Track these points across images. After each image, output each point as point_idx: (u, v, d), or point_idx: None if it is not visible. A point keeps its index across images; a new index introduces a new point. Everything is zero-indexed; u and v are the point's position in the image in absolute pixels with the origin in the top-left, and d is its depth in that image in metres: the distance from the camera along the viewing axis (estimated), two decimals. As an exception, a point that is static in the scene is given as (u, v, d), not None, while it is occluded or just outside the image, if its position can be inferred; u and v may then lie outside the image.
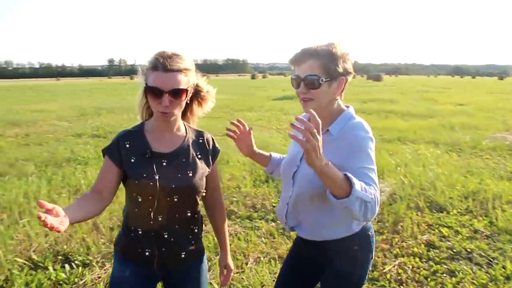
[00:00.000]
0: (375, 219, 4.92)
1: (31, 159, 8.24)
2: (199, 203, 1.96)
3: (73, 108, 19.94)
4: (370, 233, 1.99)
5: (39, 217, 1.23)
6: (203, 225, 2.09)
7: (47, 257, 4.00)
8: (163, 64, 1.69)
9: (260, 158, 2.27)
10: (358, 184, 1.51)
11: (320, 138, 1.43)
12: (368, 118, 13.93)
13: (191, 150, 1.91)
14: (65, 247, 4.22)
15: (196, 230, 1.97)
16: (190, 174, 1.86)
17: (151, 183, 1.76)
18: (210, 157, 1.99)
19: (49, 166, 7.68)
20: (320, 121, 1.45)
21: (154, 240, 1.84)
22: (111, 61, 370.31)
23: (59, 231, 1.30)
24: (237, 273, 3.75)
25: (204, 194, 1.96)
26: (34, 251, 4.15)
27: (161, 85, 1.69)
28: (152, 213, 1.80)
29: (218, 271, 2.25)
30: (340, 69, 1.78)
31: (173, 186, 1.80)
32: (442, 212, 5.20)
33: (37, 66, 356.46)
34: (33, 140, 10.83)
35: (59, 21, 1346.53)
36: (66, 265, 3.84)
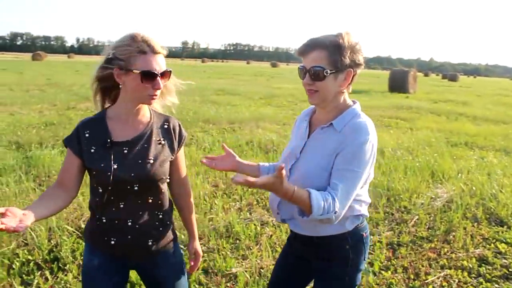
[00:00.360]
0: (425, 224, 4.71)
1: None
2: (164, 189, 1.92)
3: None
4: (364, 234, 1.93)
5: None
6: (172, 211, 2.04)
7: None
8: (151, 46, 1.69)
9: (248, 169, 2.16)
10: (317, 208, 1.61)
11: (278, 179, 1.52)
12: (436, 119, 13.34)
13: (154, 136, 1.87)
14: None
15: (161, 216, 1.91)
16: (152, 161, 1.82)
17: (109, 174, 1.73)
18: (176, 143, 1.94)
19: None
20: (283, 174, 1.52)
21: (118, 228, 1.82)
22: (185, 43, 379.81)
23: (18, 231, 1.32)
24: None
25: (168, 180, 1.92)
26: (84, 221, 4.32)
27: (154, 67, 1.69)
28: (113, 202, 1.79)
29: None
30: (347, 61, 1.73)
31: (132, 175, 1.77)
32: (501, 226, 4.85)
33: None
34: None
35: (137, 2, 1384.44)
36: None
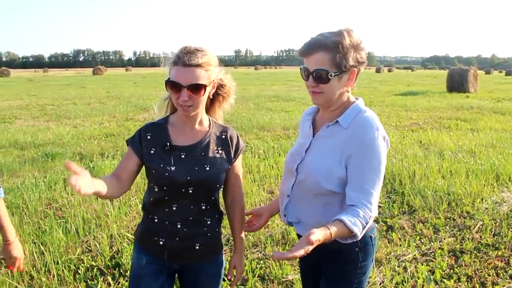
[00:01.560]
0: (490, 231, 4.48)
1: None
2: (216, 198, 1.98)
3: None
4: (372, 235, 1.88)
5: (70, 183, 1.32)
6: (222, 221, 2.10)
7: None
8: (182, 59, 1.73)
9: (276, 206, 2.15)
10: (357, 229, 1.57)
11: (315, 238, 1.45)
12: (500, 119, 12.70)
13: (212, 145, 1.93)
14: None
15: (209, 222, 1.96)
16: (208, 168, 1.88)
17: (167, 174, 1.82)
18: (232, 153, 1.98)
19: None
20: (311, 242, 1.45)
21: (168, 229, 1.89)
22: (237, 51, 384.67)
23: (87, 194, 1.40)
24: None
25: (221, 189, 1.99)
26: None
27: (180, 79, 1.73)
28: (167, 203, 1.88)
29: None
30: (351, 61, 1.69)
31: (188, 178, 1.84)
32: None
33: (170, 55, 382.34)
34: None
35: (190, 12, 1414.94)
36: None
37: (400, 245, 4.15)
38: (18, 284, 3.41)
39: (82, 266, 3.67)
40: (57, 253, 3.85)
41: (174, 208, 1.88)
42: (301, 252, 1.43)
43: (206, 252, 1.97)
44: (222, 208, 2.07)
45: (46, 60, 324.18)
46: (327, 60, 1.66)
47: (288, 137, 9.58)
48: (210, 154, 1.91)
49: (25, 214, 4.84)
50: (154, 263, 1.94)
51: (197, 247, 1.93)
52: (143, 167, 1.91)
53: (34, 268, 3.63)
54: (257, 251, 3.98)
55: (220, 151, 1.94)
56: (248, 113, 13.80)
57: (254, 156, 7.64)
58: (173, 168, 1.83)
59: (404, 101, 18.14)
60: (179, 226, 1.88)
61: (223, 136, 1.97)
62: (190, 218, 1.90)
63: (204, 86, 1.76)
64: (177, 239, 1.89)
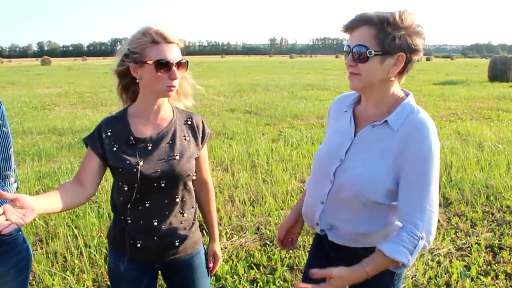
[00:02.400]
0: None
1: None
2: (190, 187, 1.86)
3: (231, 84, 21.09)
4: None
5: None
6: (197, 211, 1.98)
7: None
8: (163, 36, 1.64)
9: (300, 218, 1.95)
10: (402, 256, 1.44)
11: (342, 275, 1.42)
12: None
13: (178, 132, 1.81)
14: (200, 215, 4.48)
15: (187, 215, 1.84)
16: (177, 157, 1.76)
17: (135, 170, 1.68)
18: (199, 139, 1.88)
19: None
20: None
21: (144, 229, 1.76)
22: (272, 40, 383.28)
23: (18, 225, 1.25)
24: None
25: (194, 177, 1.85)
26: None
27: (169, 57, 1.64)
28: (139, 201, 1.74)
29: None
30: (399, 42, 1.44)
31: (159, 171, 1.72)
32: None
33: (205, 44, 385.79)
34: (192, 113, 11.68)
35: (226, 1, 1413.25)
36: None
37: (435, 239, 4.02)
38: (52, 265, 3.50)
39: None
40: (89, 237, 3.93)
41: (147, 205, 1.75)
42: None
43: (186, 247, 1.87)
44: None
45: (85, 49, 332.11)
46: (370, 36, 1.45)
47: (321, 126, 9.45)
48: (178, 142, 1.79)
49: (61, 198, 4.94)
50: (132, 268, 1.82)
51: (177, 243, 1.82)
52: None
53: (68, 250, 3.71)
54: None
55: (188, 138, 1.84)
56: (282, 101, 13.73)
57: (287, 145, 7.58)
58: (141, 163, 1.70)
59: (442, 90, 17.61)
60: (155, 224, 1.76)
61: (189, 122, 1.87)
62: (166, 213, 1.78)
63: (187, 63, 1.73)
64: (155, 238, 1.77)
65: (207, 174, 2.00)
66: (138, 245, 1.76)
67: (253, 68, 41.66)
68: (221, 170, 6.13)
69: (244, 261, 3.56)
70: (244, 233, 4.09)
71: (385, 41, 1.44)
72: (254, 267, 3.47)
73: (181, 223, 1.83)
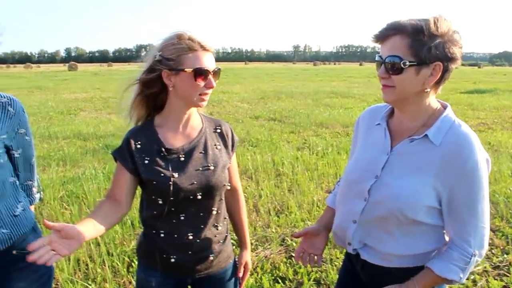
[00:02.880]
0: None
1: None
2: (223, 198, 1.81)
3: (255, 91, 21.05)
4: None
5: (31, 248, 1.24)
6: (228, 224, 1.90)
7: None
8: (200, 43, 1.60)
9: (330, 220, 1.80)
10: (452, 274, 1.42)
11: None
12: None
13: (209, 141, 1.75)
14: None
15: (220, 228, 1.78)
16: (212, 167, 1.70)
17: (169, 183, 1.61)
18: (230, 147, 1.82)
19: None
20: None
21: (178, 243, 1.69)
22: (296, 47, 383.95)
23: (62, 256, 1.27)
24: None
25: (228, 187, 1.80)
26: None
27: (207, 65, 1.60)
28: (173, 214, 1.67)
29: None
30: (436, 52, 1.35)
31: (195, 182, 1.65)
32: None
33: (229, 50, 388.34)
34: (216, 119, 11.66)
35: (249, 8, 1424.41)
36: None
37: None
38: (75, 273, 3.45)
39: (135, 259, 3.65)
40: (112, 245, 3.87)
41: (182, 218, 1.68)
42: None
43: (220, 261, 1.80)
44: None
45: (111, 55, 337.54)
46: (403, 46, 1.36)
47: (347, 135, 9.30)
48: (210, 152, 1.73)
49: (84, 203, 4.94)
50: (164, 283, 1.75)
51: (211, 258, 1.75)
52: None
53: (90, 258, 3.66)
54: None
55: (219, 147, 1.78)
56: (306, 109, 13.61)
57: (312, 154, 7.44)
58: (176, 175, 1.63)
59: (471, 99, 17.19)
60: (190, 237, 1.69)
61: (219, 130, 1.81)
62: (201, 226, 1.71)
63: (220, 71, 1.68)
64: (189, 253, 1.70)
65: (237, 182, 1.95)
66: (172, 260, 1.69)
67: (277, 75, 41.65)
68: (246, 178, 6.04)
69: (269, 274, 3.45)
70: (269, 245, 3.97)
71: (420, 50, 1.35)
72: (280, 281, 3.36)
73: (215, 236, 1.76)
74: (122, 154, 1.66)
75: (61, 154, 7.46)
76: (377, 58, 1.45)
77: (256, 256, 3.77)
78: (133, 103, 1.70)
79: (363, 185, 1.54)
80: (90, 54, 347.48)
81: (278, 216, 4.66)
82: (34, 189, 1.90)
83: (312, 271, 3.48)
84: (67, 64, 72.71)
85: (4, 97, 1.67)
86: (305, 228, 1.82)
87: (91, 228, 1.45)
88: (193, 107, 1.71)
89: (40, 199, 1.97)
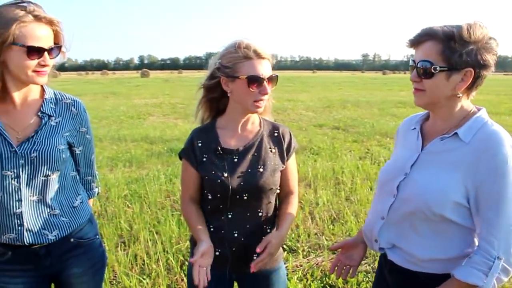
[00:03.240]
0: None
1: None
2: (273, 202, 1.84)
3: (321, 99, 20.94)
4: None
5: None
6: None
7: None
8: (256, 51, 1.68)
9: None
10: (479, 279, 1.37)
11: None
12: None
13: (264, 144, 1.82)
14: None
15: (268, 231, 1.83)
16: (261, 170, 1.77)
17: (219, 181, 1.73)
18: (285, 151, 1.86)
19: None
20: None
21: (224, 239, 1.78)
22: (365, 55, 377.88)
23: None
24: None
25: (278, 191, 1.84)
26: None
27: (260, 72, 1.68)
28: (221, 211, 1.78)
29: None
30: (467, 58, 1.36)
31: (242, 183, 1.74)
32: None
33: (297, 59, 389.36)
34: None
35: (318, 16, 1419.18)
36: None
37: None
38: (132, 267, 3.62)
39: (188, 258, 3.75)
40: (168, 243, 4.01)
41: (230, 216, 1.78)
42: None
43: (266, 263, 1.78)
44: None
45: (181, 62, 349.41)
46: (435, 51, 1.40)
47: (411, 145, 9.03)
48: (263, 154, 1.80)
49: (145, 203, 5.16)
50: (210, 274, 1.74)
51: (254, 257, 1.74)
52: None
53: (147, 254, 3.82)
54: (365, 263, 3.74)
55: (273, 150, 1.84)
56: (371, 118, 13.37)
57: (373, 163, 7.30)
58: (225, 174, 1.74)
59: None
60: (235, 235, 1.78)
61: (275, 134, 1.87)
62: (247, 226, 1.78)
63: (277, 77, 1.76)
64: (233, 249, 1.78)
65: (294, 186, 1.94)
66: (217, 253, 1.76)
67: (344, 83, 41.16)
68: (304, 185, 6.03)
69: (319, 281, 3.42)
70: (322, 252, 3.95)
71: (451, 56, 1.38)
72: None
73: (262, 238, 1.77)
74: (187, 151, 1.83)
75: (128, 156, 7.83)
76: (410, 63, 1.49)
77: (307, 262, 3.76)
78: (198, 106, 1.88)
79: (392, 182, 1.59)
80: (162, 62, 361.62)
81: (333, 224, 4.62)
82: (93, 184, 2.03)
83: (363, 281, 3.42)
84: (140, 71, 76.01)
85: (68, 99, 1.82)
86: (343, 240, 1.84)
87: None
88: (250, 113, 1.80)
89: (97, 193, 2.09)
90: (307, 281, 3.42)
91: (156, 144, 9.07)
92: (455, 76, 1.40)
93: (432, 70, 1.40)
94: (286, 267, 3.63)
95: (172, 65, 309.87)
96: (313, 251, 3.99)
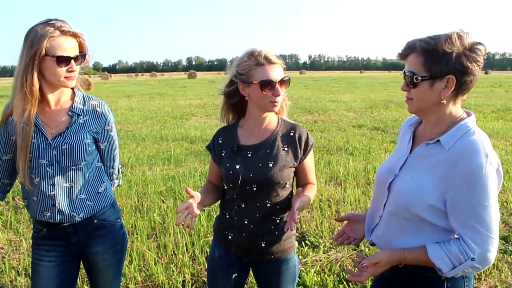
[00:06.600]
0: None
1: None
2: (283, 195, 1.98)
3: (364, 100, 20.75)
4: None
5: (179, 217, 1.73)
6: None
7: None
8: (267, 58, 1.88)
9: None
10: (442, 263, 1.51)
11: (381, 259, 1.59)
12: None
13: (278, 142, 2.00)
14: (304, 226, 4.59)
15: (278, 221, 2.00)
16: (271, 165, 1.94)
17: (231, 172, 1.96)
18: (300, 150, 2.01)
19: (320, 152, 8.31)
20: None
21: (236, 225, 2.00)
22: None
23: (195, 216, 1.75)
24: None
25: (288, 186, 1.99)
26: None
27: (272, 76, 1.87)
28: (236, 201, 1.99)
29: None
30: (448, 66, 1.47)
31: (251, 175, 1.93)
32: None
33: (344, 59, 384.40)
34: (318, 127, 11.86)
35: (365, 15, 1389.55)
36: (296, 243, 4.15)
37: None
38: (161, 256, 3.90)
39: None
40: (196, 236, 4.27)
41: (243, 206, 1.99)
42: (369, 273, 1.59)
43: (275, 251, 2.01)
44: None
45: (228, 63, 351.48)
46: (418, 63, 1.53)
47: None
48: (275, 151, 1.97)
49: (179, 199, 5.45)
50: (224, 256, 2.08)
51: (263, 245, 1.99)
52: None
53: (176, 245, 4.08)
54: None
55: (286, 148, 1.99)
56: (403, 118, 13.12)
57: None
58: (237, 167, 1.96)
59: None
60: (246, 222, 1.98)
61: (291, 134, 2.03)
62: (257, 215, 1.97)
63: (289, 80, 1.97)
64: (243, 235, 1.99)
65: (312, 179, 2.09)
66: (229, 237, 2.03)
67: (391, 84, 40.23)
68: (334, 184, 6.15)
69: (335, 276, 3.56)
70: (342, 248, 4.07)
71: (432, 66, 1.50)
72: (344, 282, 3.45)
73: (272, 227, 2.00)
74: (210, 147, 2.14)
75: (168, 154, 8.18)
76: (402, 73, 1.64)
77: (327, 257, 3.90)
78: (221, 110, 2.11)
79: (385, 182, 1.73)
80: (209, 63, 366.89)
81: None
82: (114, 176, 2.30)
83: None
84: (187, 72, 77.50)
85: (95, 100, 2.12)
86: (350, 213, 1.98)
87: (207, 198, 1.97)
88: (267, 112, 2.00)
89: (118, 185, 2.37)
90: (324, 274, 3.56)
91: (196, 143, 9.39)
92: (438, 84, 1.51)
93: (415, 80, 1.54)
94: (305, 261, 3.81)
95: (220, 66, 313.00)
96: (334, 247, 4.12)
